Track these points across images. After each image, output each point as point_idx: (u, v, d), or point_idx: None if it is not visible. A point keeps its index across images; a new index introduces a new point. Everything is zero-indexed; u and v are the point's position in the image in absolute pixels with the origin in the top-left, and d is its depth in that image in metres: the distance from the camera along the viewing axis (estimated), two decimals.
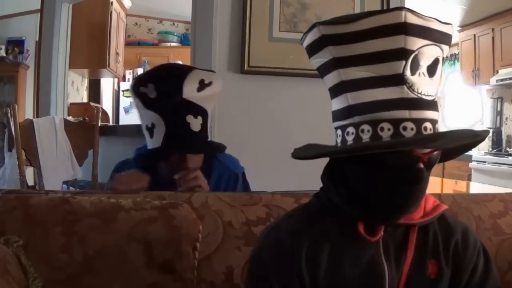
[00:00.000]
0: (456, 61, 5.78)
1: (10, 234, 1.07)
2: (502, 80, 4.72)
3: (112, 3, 5.21)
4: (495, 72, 4.85)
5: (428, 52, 0.83)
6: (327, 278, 0.86)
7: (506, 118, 5.10)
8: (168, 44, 6.98)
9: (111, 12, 5.19)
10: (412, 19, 0.82)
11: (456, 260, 0.89)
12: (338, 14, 0.89)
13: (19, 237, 1.07)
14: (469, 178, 4.67)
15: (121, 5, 5.80)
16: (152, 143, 1.46)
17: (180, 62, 5.76)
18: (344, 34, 0.84)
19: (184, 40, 6.88)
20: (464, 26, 5.33)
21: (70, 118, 3.73)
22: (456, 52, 5.72)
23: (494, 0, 4.51)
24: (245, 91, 2.49)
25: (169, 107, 1.42)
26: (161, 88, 1.43)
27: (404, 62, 0.81)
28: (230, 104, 2.46)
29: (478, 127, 5.46)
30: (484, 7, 4.74)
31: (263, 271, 0.88)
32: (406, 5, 2.59)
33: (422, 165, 0.81)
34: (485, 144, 5.24)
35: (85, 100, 5.64)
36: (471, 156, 4.79)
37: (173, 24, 7.22)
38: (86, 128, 3.21)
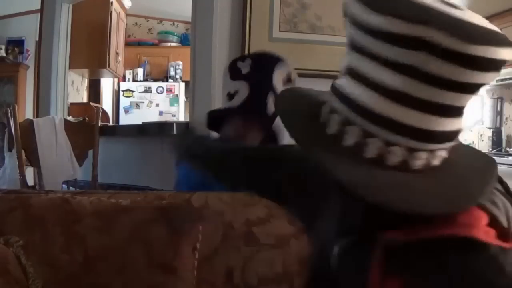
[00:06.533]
0: None
1: (10, 234, 1.07)
2: (502, 80, 4.71)
3: (112, 3, 5.22)
4: None
5: None
6: None
7: (506, 118, 5.10)
8: (168, 44, 6.98)
9: (111, 12, 5.20)
10: None
11: None
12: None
13: (19, 237, 1.07)
14: None
15: (121, 5, 5.80)
16: (227, 105, 1.54)
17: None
18: None
19: (184, 40, 6.87)
20: None
21: (70, 118, 3.72)
22: None
23: (494, 0, 4.51)
24: None
25: (258, 81, 1.52)
26: (257, 64, 1.54)
27: None
28: None
29: (478, 127, 5.46)
30: (484, 7, 4.73)
31: None
32: None
33: None
34: (485, 144, 5.24)
35: (85, 100, 5.65)
36: None
37: (173, 24, 7.22)
38: (86, 128, 3.21)
